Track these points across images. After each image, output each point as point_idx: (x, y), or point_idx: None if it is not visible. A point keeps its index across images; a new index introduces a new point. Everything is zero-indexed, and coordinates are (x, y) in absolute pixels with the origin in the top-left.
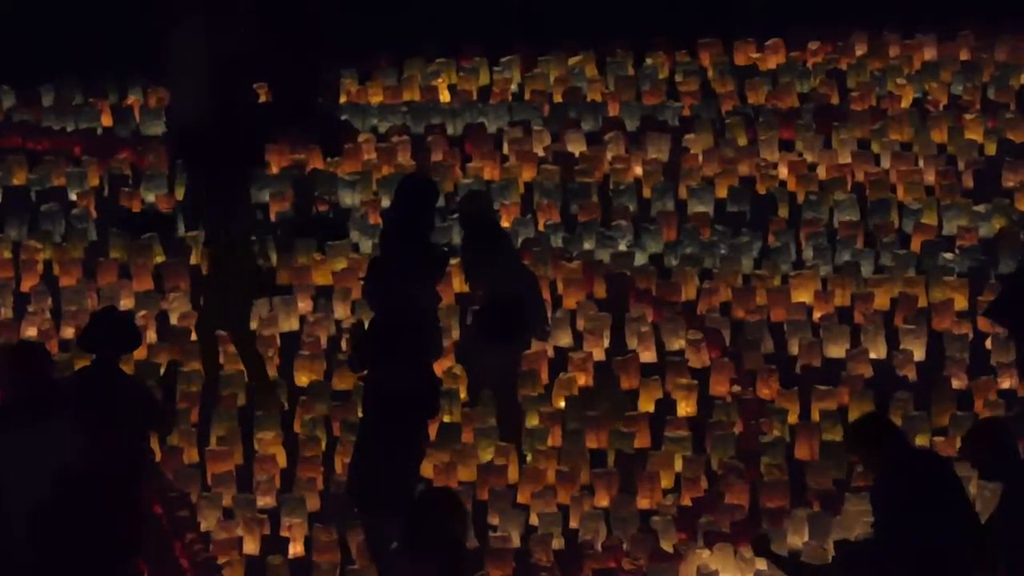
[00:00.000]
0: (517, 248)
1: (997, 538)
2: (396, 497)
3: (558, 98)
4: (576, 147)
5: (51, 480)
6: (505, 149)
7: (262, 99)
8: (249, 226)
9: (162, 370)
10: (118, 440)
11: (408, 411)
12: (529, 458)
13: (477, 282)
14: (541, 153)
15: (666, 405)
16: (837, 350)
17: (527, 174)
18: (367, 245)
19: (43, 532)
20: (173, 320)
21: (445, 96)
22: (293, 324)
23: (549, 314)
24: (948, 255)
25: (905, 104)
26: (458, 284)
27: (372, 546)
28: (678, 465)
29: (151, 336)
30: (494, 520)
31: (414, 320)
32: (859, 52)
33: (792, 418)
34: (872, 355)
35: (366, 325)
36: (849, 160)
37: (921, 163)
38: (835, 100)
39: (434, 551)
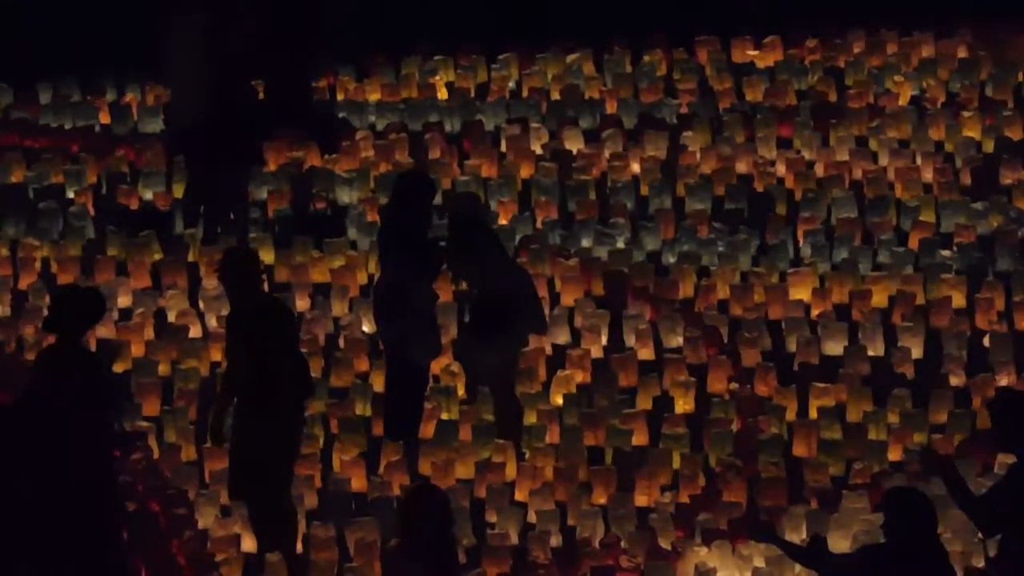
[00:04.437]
0: (515, 246)
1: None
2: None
3: (556, 95)
4: (574, 144)
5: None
6: (503, 146)
7: (260, 96)
8: (245, 224)
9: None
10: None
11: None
12: (527, 455)
13: (468, 282)
14: (539, 150)
15: (664, 402)
16: (835, 347)
17: (525, 171)
18: (365, 242)
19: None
20: (171, 318)
21: (443, 93)
22: None
23: (547, 311)
24: (946, 252)
25: (903, 101)
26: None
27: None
28: (676, 462)
29: (148, 334)
30: (492, 518)
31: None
32: (857, 50)
33: (790, 415)
34: (870, 352)
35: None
36: (847, 158)
37: (919, 160)
38: (833, 98)
39: (422, 551)
